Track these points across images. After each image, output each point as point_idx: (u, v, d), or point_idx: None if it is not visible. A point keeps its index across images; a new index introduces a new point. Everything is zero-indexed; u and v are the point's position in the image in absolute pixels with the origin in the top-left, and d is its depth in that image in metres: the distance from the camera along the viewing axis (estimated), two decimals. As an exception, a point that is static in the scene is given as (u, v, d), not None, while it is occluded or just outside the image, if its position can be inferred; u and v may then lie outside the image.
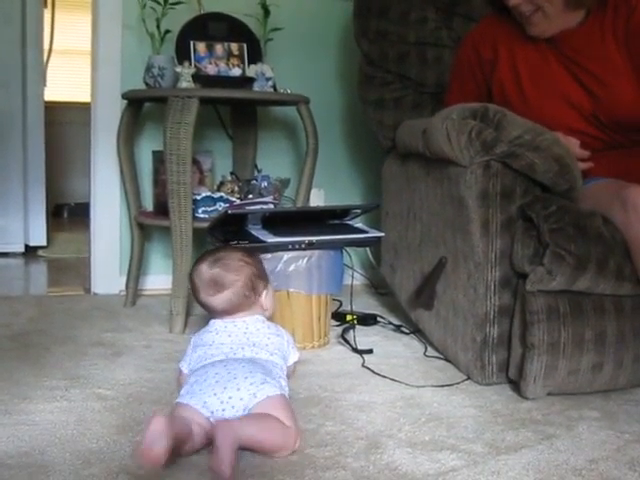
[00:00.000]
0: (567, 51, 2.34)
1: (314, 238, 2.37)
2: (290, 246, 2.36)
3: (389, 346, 2.53)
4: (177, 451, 1.54)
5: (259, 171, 3.18)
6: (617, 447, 1.73)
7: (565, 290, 1.96)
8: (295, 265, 2.38)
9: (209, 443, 1.59)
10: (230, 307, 1.99)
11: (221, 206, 2.77)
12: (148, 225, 3.01)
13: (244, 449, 1.59)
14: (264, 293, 2.06)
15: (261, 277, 2.06)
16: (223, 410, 1.65)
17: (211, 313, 2.04)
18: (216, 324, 2.00)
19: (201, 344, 1.96)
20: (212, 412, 1.65)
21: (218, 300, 1.99)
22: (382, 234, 2.56)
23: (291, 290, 2.40)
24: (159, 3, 2.84)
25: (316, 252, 2.40)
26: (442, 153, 2.15)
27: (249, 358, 1.85)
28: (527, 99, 2.38)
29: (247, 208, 2.67)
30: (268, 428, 1.61)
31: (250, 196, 2.85)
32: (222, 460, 1.45)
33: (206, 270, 2.01)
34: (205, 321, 2.07)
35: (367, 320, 2.78)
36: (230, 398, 1.66)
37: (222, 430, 1.48)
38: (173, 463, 1.54)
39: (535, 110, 2.30)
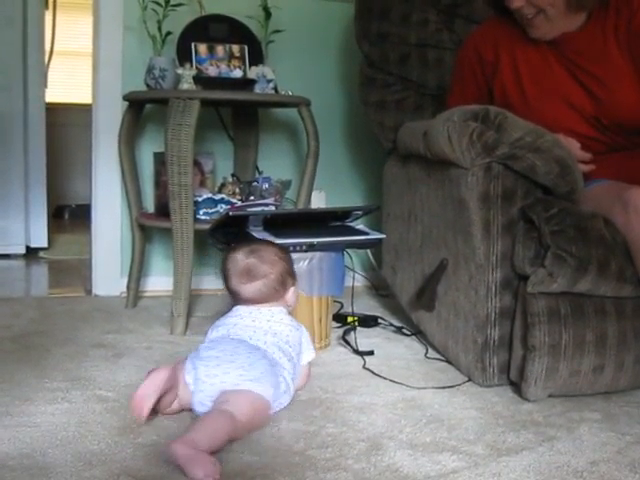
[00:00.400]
0: (569, 53, 2.34)
1: (315, 240, 2.37)
2: (291, 248, 2.35)
3: (390, 348, 2.53)
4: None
5: (260, 173, 3.18)
6: (618, 449, 1.73)
7: (566, 292, 1.96)
8: (296, 267, 2.37)
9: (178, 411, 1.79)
10: (259, 297, 2.04)
11: (222, 208, 2.77)
12: (149, 227, 3.01)
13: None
14: (291, 290, 2.10)
15: (291, 274, 2.11)
16: (203, 382, 1.75)
17: (237, 301, 2.08)
18: (240, 310, 2.05)
19: (223, 324, 2.02)
20: (197, 378, 1.75)
21: (249, 289, 2.03)
22: (383, 236, 2.56)
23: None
24: (160, 5, 2.85)
25: (317, 254, 2.40)
26: (443, 155, 2.15)
27: (263, 351, 1.88)
28: (528, 101, 2.38)
29: (248, 210, 2.67)
30: (221, 425, 1.64)
31: (251, 198, 2.85)
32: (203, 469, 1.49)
33: (242, 258, 2.05)
34: (208, 322, 2.08)
35: (368, 322, 2.79)
36: (215, 376, 1.74)
37: (184, 453, 1.51)
38: (172, 465, 1.55)
39: (536, 112, 2.30)
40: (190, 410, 1.80)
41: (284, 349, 1.96)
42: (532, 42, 2.39)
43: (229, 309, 2.09)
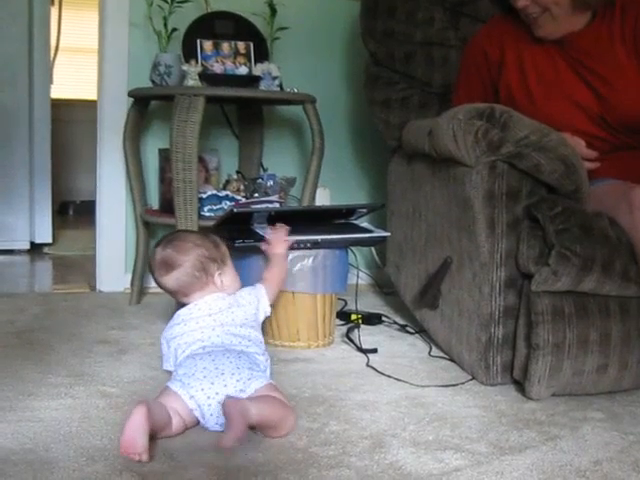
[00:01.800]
0: (574, 53, 2.33)
1: (320, 237, 2.37)
2: (296, 245, 2.35)
3: (394, 346, 2.53)
4: (152, 436, 1.60)
5: (265, 170, 3.18)
6: (621, 448, 1.72)
7: (570, 291, 1.96)
8: (300, 264, 2.38)
9: (182, 432, 1.71)
10: (181, 287, 2.04)
11: (227, 205, 2.77)
12: (154, 223, 3.01)
13: (252, 428, 1.66)
14: (217, 274, 2.06)
15: (213, 258, 2.07)
16: (209, 405, 1.71)
17: (169, 294, 2.11)
18: (181, 315, 2.04)
19: (172, 337, 2.00)
20: (199, 406, 1.71)
21: (169, 280, 2.04)
22: (388, 234, 2.56)
23: (296, 291, 2.40)
24: (166, 1, 2.85)
25: (321, 251, 2.40)
26: (448, 153, 2.15)
27: (237, 352, 1.88)
28: (534, 100, 2.38)
29: (253, 207, 2.67)
30: (273, 405, 1.70)
31: (256, 195, 2.85)
32: (235, 431, 1.56)
33: (159, 252, 2.07)
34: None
35: (372, 319, 2.79)
36: (217, 394, 1.71)
37: (233, 407, 1.58)
38: (175, 461, 1.55)
39: (542, 111, 2.30)
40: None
41: (241, 334, 1.98)
42: (538, 41, 2.39)
43: (170, 317, 2.09)
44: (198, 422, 1.73)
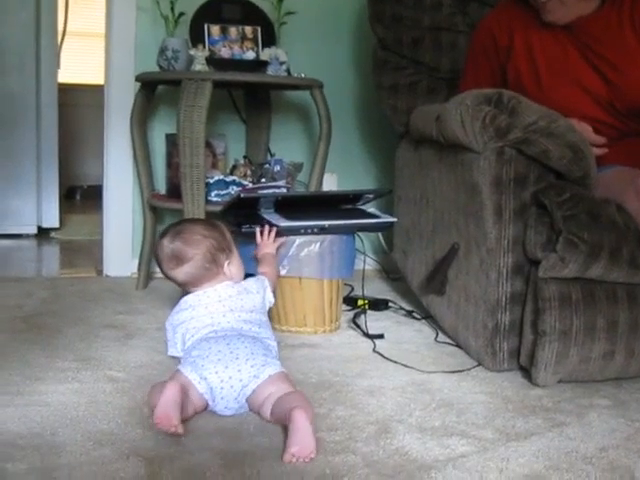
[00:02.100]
0: (583, 38, 2.32)
1: (327, 222, 2.37)
2: (302, 230, 2.35)
3: (400, 331, 2.53)
4: None
5: (272, 155, 3.17)
6: (627, 435, 1.72)
7: (578, 277, 1.95)
8: (307, 250, 2.37)
9: (192, 416, 1.69)
10: (192, 279, 2.05)
11: (234, 190, 2.77)
12: (161, 208, 3.01)
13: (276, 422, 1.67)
14: (226, 264, 2.07)
15: (222, 248, 2.08)
16: (222, 389, 1.71)
17: (178, 285, 2.11)
18: (188, 301, 2.04)
19: (179, 323, 2.01)
20: (211, 389, 1.71)
21: (179, 273, 2.05)
22: (395, 219, 2.56)
23: (303, 276, 2.40)
24: (173, -15, 2.84)
25: (328, 237, 2.39)
26: (456, 139, 2.14)
27: (251, 337, 1.89)
28: (542, 85, 2.37)
29: (260, 192, 2.67)
30: (308, 403, 1.68)
31: (263, 180, 2.85)
32: (302, 448, 1.50)
33: (167, 244, 2.06)
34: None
35: (378, 305, 2.79)
36: (230, 378, 1.72)
37: (304, 419, 1.53)
38: (181, 445, 1.56)
39: (550, 96, 2.29)
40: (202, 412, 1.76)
41: (251, 319, 1.99)
42: (546, 26, 2.37)
43: (176, 303, 2.10)
44: (206, 407, 1.74)
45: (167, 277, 2.11)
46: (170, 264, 2.05)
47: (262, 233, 2.32)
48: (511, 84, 2.43)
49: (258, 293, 2.10)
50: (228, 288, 2.05)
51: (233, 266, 2.10)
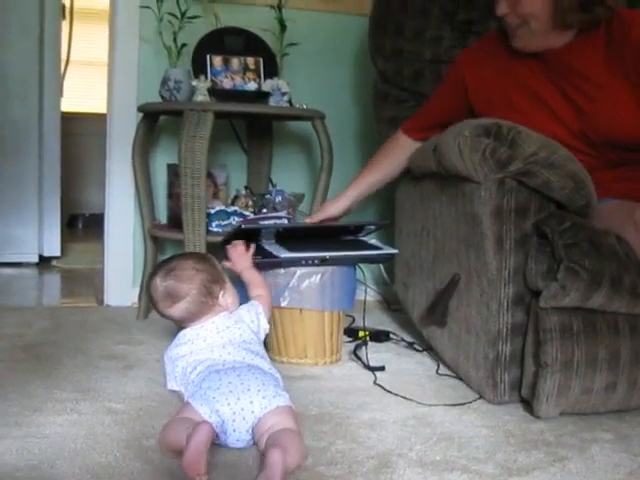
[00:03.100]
0: (558, 69, 2.30)
1: (328, 254, 2.36)
2: (304, 262, 2.35)
3: (401, 363, 2.52)
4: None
5: (274, 185, 3.18)
6: (630, 470, 1.71)
7: (579, 308, 1.95)
8: (308, 281, 2.37)
9: None
10: (189, 315, 2.04)
11: (235, 220, 2.77)
12: (162, 238, 3.01)
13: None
14: (221, 295, 2.08)
15: (215, 280, 2.08)
16: (234, 421, 1.69)
17: (175, 323, 2.10)
18: (187, 335, 2.04)
19: (178, 357, 2.00)
20: (223, 421, 1.69)
21: (176, 310, 2.04)
22: (396, 251, 2.55)
23: (304, 308, 2.39)
24: (176, 16, 2.86)
25: (329, 268, 2.39)
26: (455, 169, 2.14)
27: (261, 369, 1.88)
28: (516, 107, 2.35)
29: (261, 223, 2.67)
30: (298, 449, 1.63)
31: (264, 210, 2.85)
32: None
33: (160, 283, 2.05)
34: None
35: (379, 336, 2.78)
36: (242, 409, 1.70)
37: (279, 458, 1.49)
38: None
39: (526, 117, 2.27)
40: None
41: (251, 349, 1.98)
42: (519, 57, 2.35)
43: (174, 335, 2.09)
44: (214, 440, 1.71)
45: (163, 316, 2.10)
46: (166, 303, 2.04)
47: (230, 250, 2.30)
48: (483, 113, 2.41)
49: (252, 322, 2.10)
50: (225, 319, 2.05)
51: (228, 296, 2.10)
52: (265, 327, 2.15)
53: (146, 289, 2.10)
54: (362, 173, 2.75)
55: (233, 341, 1.99)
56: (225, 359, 1.92)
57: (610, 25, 2.23)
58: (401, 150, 2.68)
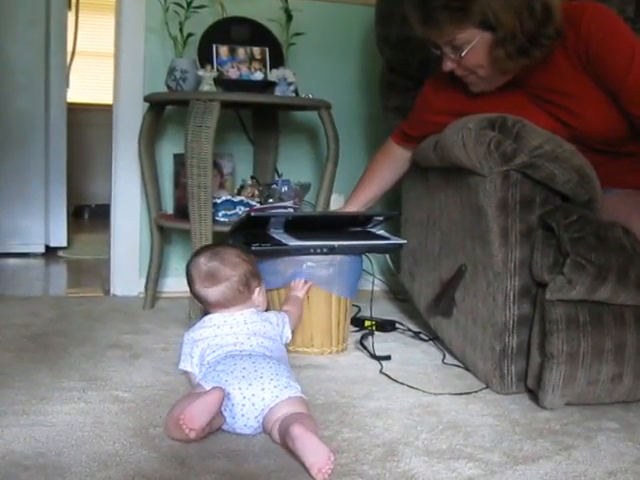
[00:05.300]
0: (535, 91, 2.25)
1: (336, 243, 2.37)
2: (312, 250, 2.35)
3: (407, 353, 2.52)
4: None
5: (280, 175, 3.18)
6: (636, 459, 1.71)
7: (585, 300, 1.94)
8: (315, 270, 2.38)
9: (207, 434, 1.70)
10: (224, 300, 2.04)
11: (241, 210, 2.77)
12: (168, 228, 3.02)
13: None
14: (257, 290, 2.10)
15: (255, 275, 2.11)
16: (243, 405, 1.71)
17: (205, 306, 2.10)
18: (214, 319, 2.04)
19: (201, 338, 2.00)
20: (233, 405, 1.70)
21: (213, 292, 2.04)
22: (404, 241, 2.55)
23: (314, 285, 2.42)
24: (182, 7, 2.86)
25: (337, 257, 2.39)
26: (458, 162, 2.13)
27: (276, 358, 1.90)
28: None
29: (269, 211, 2.67)
30: (312, 422, 1.67)
31: (270, 200, 2.85)
32: (318, 451, 1.52)
33: (204, 262, 2.06)
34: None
35: (386, 326, 2.78)
36: (253, 395, 1.71)
37: (298, 429, 1.54)
38: (187, 467, 1.55)
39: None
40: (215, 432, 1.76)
41: (272, 348, 1.98)
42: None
43: (200, 318, 2.10)
44: (222, 424, 1.73)
45: (197, 296, 2.09)
46: (206, 282, 2.04)
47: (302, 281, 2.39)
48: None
49: (278, 326, 2.12)
50: (253, 314, 2.06)
51: (261, 295, 2.13)
52: (288, 335, 2.16)
53: (186, 267, 2.10)
54: (359, 188, 2.76)
55: (257, 334, 2.00)
56: (244, 348, 1.93)
57: (569, 40, 2.16)
58: (396, 163, 2.71)
